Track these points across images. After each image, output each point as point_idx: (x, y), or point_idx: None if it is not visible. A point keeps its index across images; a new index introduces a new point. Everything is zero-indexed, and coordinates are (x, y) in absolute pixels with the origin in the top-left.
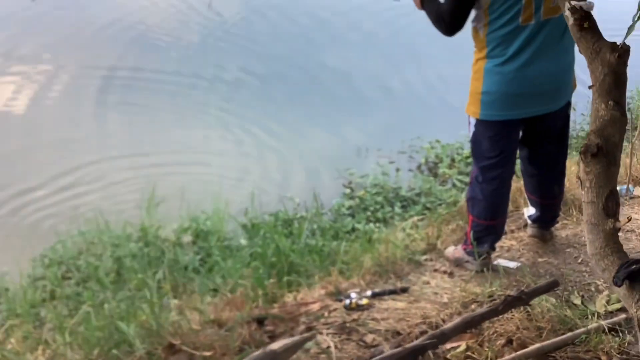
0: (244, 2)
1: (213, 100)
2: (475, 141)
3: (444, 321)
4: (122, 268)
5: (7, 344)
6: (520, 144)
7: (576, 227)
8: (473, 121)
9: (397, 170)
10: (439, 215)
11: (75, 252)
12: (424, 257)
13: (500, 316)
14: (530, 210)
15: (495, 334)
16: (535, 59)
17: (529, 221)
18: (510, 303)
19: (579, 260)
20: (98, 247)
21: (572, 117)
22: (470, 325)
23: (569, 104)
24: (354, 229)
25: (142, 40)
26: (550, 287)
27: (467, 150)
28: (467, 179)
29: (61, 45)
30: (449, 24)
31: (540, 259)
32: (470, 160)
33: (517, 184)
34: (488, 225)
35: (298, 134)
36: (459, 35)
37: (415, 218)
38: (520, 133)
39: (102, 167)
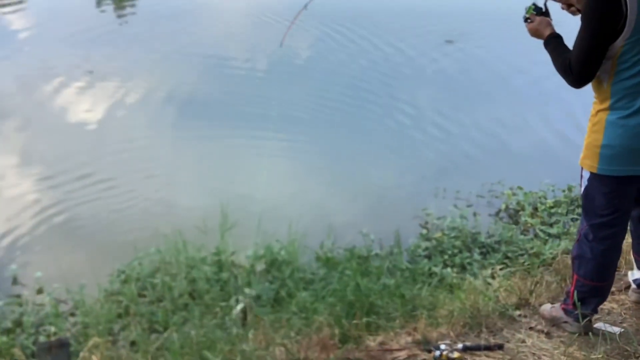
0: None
1: (286, 131)
2: (587, 196)
3: None
4: (195, 290)
5: None
6: (634, 203)
7: None
8: (587, 175)
9: (475, 214)
10: (531, 268)
11: (152, 270)
12: (517, 312)
13: None
14: (636, 274)
15: None
16: None
17: (633, 285)
18: None
19: None
20: (173, 267)
21: None
22: None
23: None
24: (430, 272)
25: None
26: None
27: (550, 200)
28: (551, 230)
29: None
30: (578, 73)
31: None
32: (554, 210)
33: None
34: (594, 287)
35: (374, 169)
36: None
37: (497, 267)
38: (636, 192)
39: (176, 187)
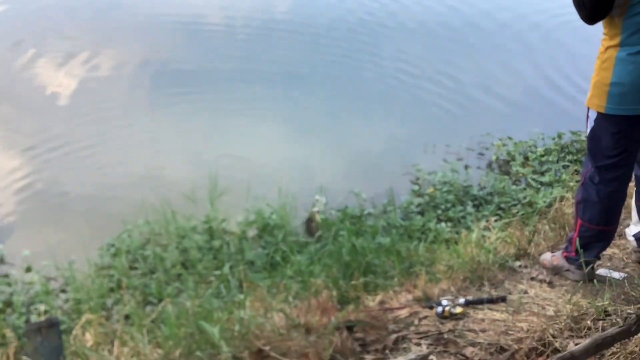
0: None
1: (273, 93)
2: (594, 137)
3: (554, 336)
4: (188, 260)
5: (85, 341)
6: None
7: None
8: (593, 115)
9: (466, 167)
10: (525, 218)
11: (142, 242)
12: (517, 263)
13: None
14: (634, 229)
15: (619, 356)
16: None
17: (633, 243)
18: None
19: None
20: (164, 238)
21: None
22: (601, 347)
23: None
24: (424, 228)
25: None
26: None
27: (540, 148)
28: (542, 179)
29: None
30: (591, 9)
31: None
32: (544, 159)
33: None
34: (600, 232)
35: (362, 128)
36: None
37: (492, 219)
38: None
39: (163, 156)
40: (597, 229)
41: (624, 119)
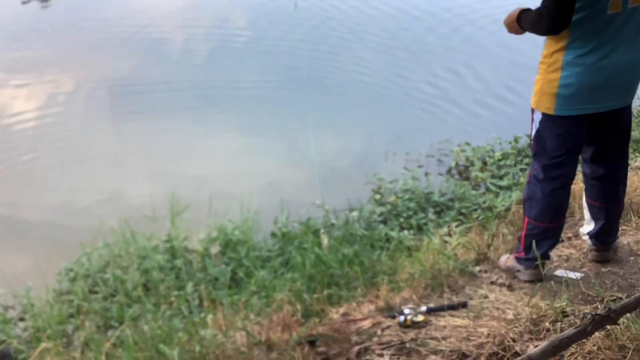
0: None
1: (232, 107)
2: (539, 138)
3: (514, 340)
4: (149, 281)
5: None
6: (585, 143)
7: (636, 234)
8: (538, 117)
9: (427, 174)
10: (485, 222)
11: (101, 265)
12: (477, 268)
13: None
14: (587, 227)
15: (577, 356)
16: (618, 49)
17: (588, 242)
18: (598, 323)
19: None
20: (124, 260)
21: None
22: (559, 348)
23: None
24: (387, 237)
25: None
26: (639, 303)
27: (498, 152)
28: (501, 183)
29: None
30: (554, 16)
31: (603, 269)
32: (502, 163)
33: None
34: (546, 228)
35: (323, 139)
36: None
37: (453, 224)
38: (587, 132)
39: (122, 176)
40: (543, 226)
41: (569, 120)
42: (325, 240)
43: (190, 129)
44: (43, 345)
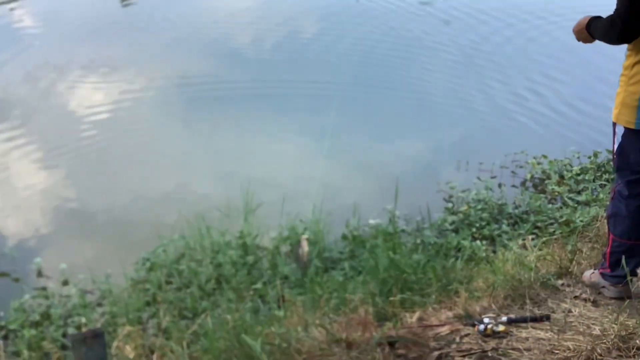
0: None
1: (306, 108)
2: (622, 153)
3: (601, 356)
4: (222, 275)
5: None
6: None
7: None
8: (620, 131)
9: (500, 185)
10: (563, 237)
11: (177, 257)
12: (560, 281)
13: None
14: None
15: None
16: None
17: None
18: None
19: None
20: (198, 253)
21: None
22: None
23: None
24: (459, 246)
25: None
26: None
27: (576, 167)
28: (579, 198)
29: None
30: (627, 23)
31: None
32: (580, 177)
33: None
34: (632, 246)
35: (394, 145)
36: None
37: (529, 237)
38: None
39: (196, 173)
40: (629, 243)
41: None
42: (305, 247)
43: (262, 129)
44: (127, 328)
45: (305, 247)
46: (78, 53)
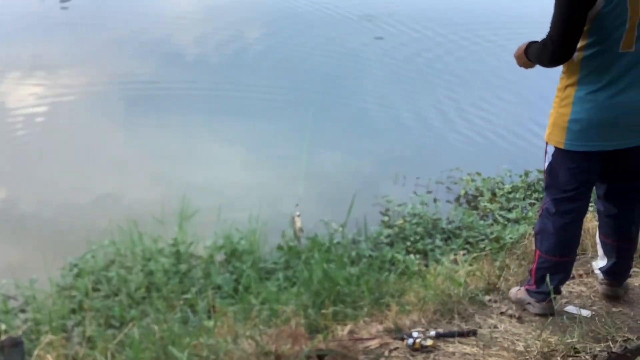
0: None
1: (246, 115)
2: (552, 171)
3: None
4: (152, 283)
5: None
6: (598, 180)
7: None
8: (551, 150)
9: (436, 200)
10: (493, 253)
11: (106, 263)
12: (487, 297)
13: None
14: (600, 262)
15: None
16: (630, 88)
17: (600, 276)
18: None
19: None
20: (129, 260)
21: None
22: None
23: None
24: (393, 260)
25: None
26: None
27: (508, 185)
28: (509, 215)
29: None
30: (558, 46)
31: (614, 309)
32: (512, 195)
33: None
34: (557, 263)
35: (333, 157)
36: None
37: (460, 253)
38: (600, 168)
39: (131, 177)
40: (554, 260)
41: (581, 155)
42: (298, 224)
43: (202, 134)
44: (49, 337)
45: (298, 223)
46: (13, 53)
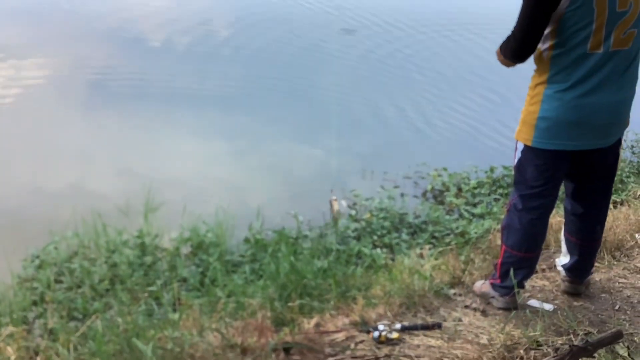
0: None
1: (213, 113)
2: (520, 168)
3: None
4: (116, 276)
5: (7, 354)
6: (566, 179)
7: (609, 272)
8: (520, 147)
9: (403, 195)
10: (460, 247)
11: (69, 255)
12: (452, 291)
13: None
14: (563, 259)
15: None
16: (598, 90)
17: (562, 273)
18: (575, 354)
19: (617, 307)
20: (93, 252)
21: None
22: None
23: (619, 141)
24: (360, 253)
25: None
26: (615, 338)
27: (474, 180)
28: (475, 210)
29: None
30: (520, 42)
31: (575, 303)
32: (477, 191)
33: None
34: (522, 258)
35: (302, 151)
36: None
37: (426, 247)
38: (568, 167)
39: (96, 168)
40: (519, 255)
41: (548, 153)
42: (336, 207)
43: (169, 126)
44: (9, 328)
45: (335, 206)
46: None
